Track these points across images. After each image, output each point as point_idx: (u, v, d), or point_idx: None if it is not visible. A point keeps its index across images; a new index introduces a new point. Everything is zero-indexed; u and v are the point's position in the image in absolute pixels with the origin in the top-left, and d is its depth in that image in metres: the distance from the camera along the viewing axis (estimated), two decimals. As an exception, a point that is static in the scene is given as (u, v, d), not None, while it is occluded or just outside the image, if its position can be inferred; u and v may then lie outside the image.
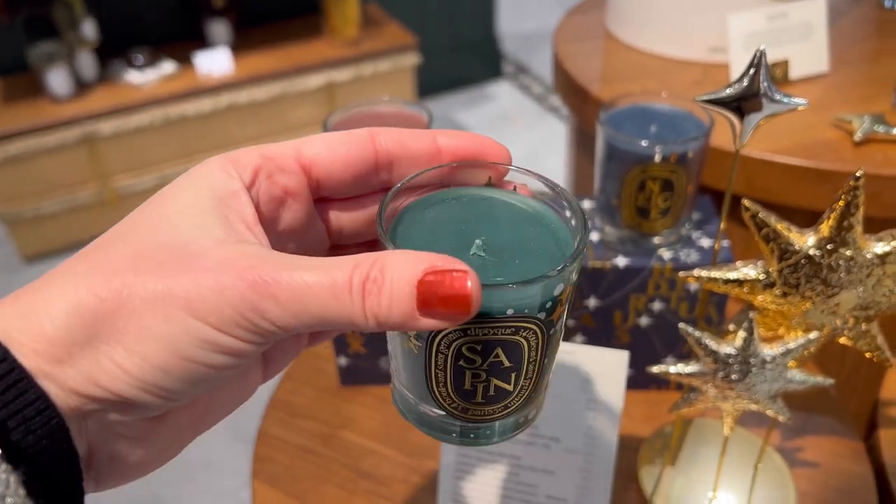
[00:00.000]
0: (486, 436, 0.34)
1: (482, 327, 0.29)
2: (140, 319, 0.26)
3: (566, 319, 0.33)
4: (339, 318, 0.26)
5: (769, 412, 0.50)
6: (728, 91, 0.44)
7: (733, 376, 0.48)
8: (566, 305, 0.31)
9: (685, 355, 0.65)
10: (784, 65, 0.79)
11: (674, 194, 0.57)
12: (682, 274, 0.49)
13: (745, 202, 0.46)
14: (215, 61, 2.07)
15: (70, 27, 1.95)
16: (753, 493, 0.59)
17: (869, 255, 0.45)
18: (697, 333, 0.48)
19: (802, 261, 0.46)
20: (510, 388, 0.31)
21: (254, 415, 0.72)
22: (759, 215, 0.46)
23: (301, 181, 0.31)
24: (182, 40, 2.19)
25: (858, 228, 0.45)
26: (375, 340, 0.66)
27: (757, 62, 0.43)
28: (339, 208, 0.34)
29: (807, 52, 0.80)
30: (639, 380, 0.66)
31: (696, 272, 0.49)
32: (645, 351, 0.65)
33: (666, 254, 0.60)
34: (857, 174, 0.43)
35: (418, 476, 0.62)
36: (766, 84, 0.44)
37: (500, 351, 0.30)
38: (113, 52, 2.08)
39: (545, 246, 0.31)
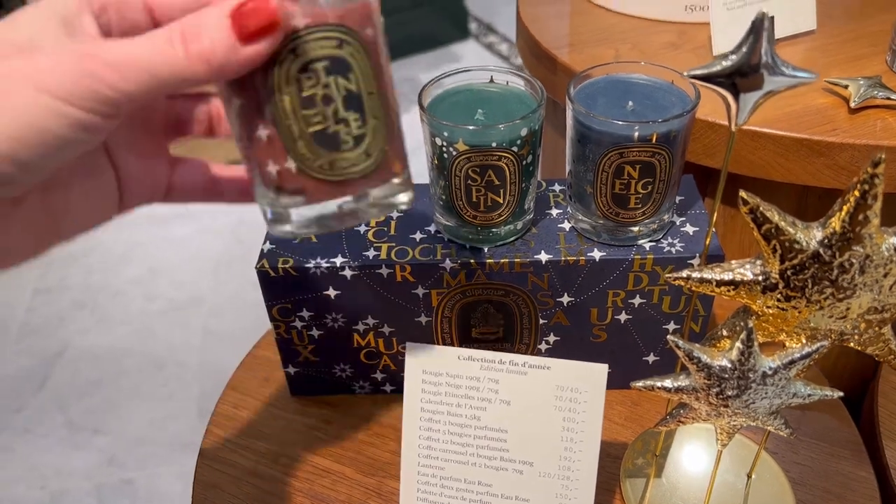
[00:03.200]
0: (490, 238, 0.54)
1: (479, 155, 0.49)
2: None
3: (538, 162, 0.53)
4: (169, 69, 0.29)
5: (769, 428, 0.44)
6: (723, 64, 0.37)
7: (729, 392, 0.42)
8: (531, 147, 0.50)
9: (669, 353, 0.59)
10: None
11: (655, 179, 0.50)
12: (668, 276, 0.42)
13: (743, 194, 0.39)
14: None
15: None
16: (748, 505, 0.53)
17: (887, 252, 0.39)
18: (688, 346, 0.41)
19: (809, 261, 0.39)
20: (500, 200, 0.51)
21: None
22: (760, 210, 0.39)
23: (147, 20, 0.34)
24: None
25: (875, 222, 0.38)
26: (326, 349, 0.59)
27: (757, 28, 0.36)
28: None
29: (793, 7, 0.72)
30: (620, 379, 0.60)
31: (684, 274, 0.42)
32: (625, 348, 0.59)
33: (647, 244, 0.54)
34: (877, 159, 0.36)
35: (378, 498, 0.56)
36: (768, 55, 0.37)
37: (491, 172, 0.50)
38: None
39: (519, 110, 0.51)
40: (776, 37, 0.74)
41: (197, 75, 0.29)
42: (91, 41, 0.30)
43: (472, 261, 0.53)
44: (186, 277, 1.83)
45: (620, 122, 0.48)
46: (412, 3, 2.59)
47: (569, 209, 0.56)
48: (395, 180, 0.36)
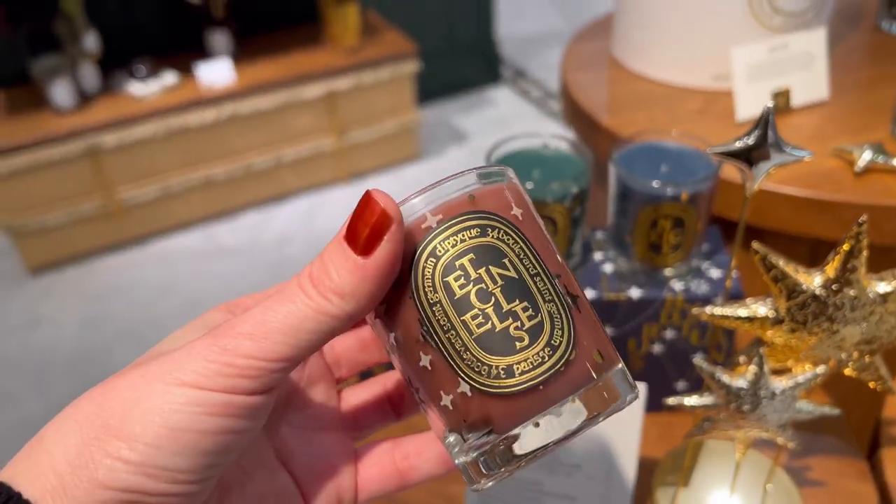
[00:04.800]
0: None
1: (536, 207, 0.32)
2: (125, 404, 0.26)
3: (584, 214, 0.61)
4: (309, 317, 0.27)
5: (779, 440, 0.53)
6: (738, 144, 0.47)
7: (745, 408, 0.51)
8: (579, 202, 0.59)
9: (696, 379, 0.68)
10: (786, 94, 0.82)
11: (685, 231, 0.60)
12: (695, 311, 0.51)
13: (755, 245, 0.49)
14: (216, 71, 2.09)
15: (72, 40, 1.97)
16: (763, 512, 0.62)
17: (872, 295, 0.48)
18: (711, 368, 0.50)
19: (809, 300, 0.49)
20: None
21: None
22: (768, 258, 0.48)
23: None
24: (183, 51, 2.21)
25: (862, 270, 0.48)
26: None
27: (765, 119, 0.46)
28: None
29: (808, 80, 0.82)
30: (653, 403, 0.69)
31: (708, 310, 0.51)
32: (658, 376, 0.68)
33: (677, 285, 0.63)
34: (861, 220, 0.46)
35: (443, 500, 0.65)
36: (773, 138, 0.47)
37: (545, 222, 0.38)
38: (115, 63, 2.10)
39: (569, 171, 0.61)
40: (793, 106, 0.84)
41: (338, 315, 0.27)
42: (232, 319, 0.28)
43: (527, 296, 0.63)
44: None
45: (656, 184, 0.58)
46: (447, 48, 2.72)
47: (610, 253, 0.66)
48: (603, 373, 0.29)
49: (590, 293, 0.63)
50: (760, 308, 0.51)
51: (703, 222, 0.60)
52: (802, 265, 0.80)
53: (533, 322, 0.28)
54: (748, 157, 0.47)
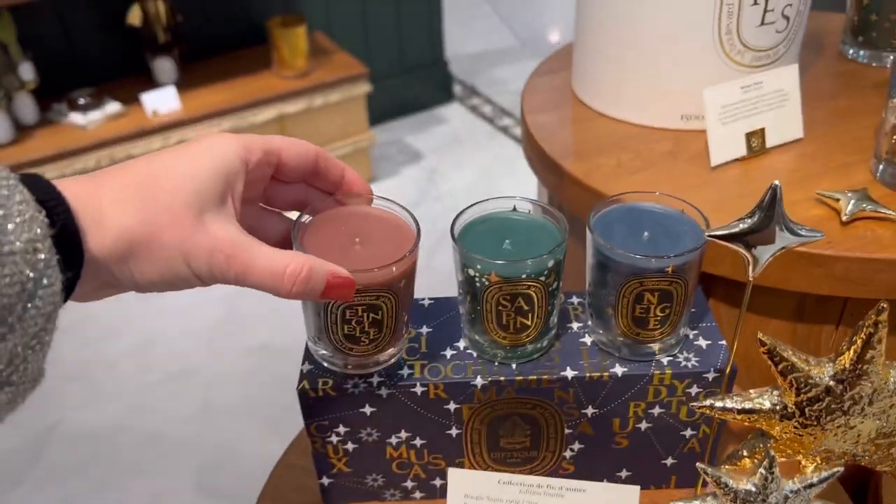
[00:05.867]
0: (518, 356, 0.58)
1: (510, 285, 0.53)
2: (158, 255, 0.40)
3: (561, 284, 0.56)
4: (270, 289, 0.43)
5: (790, 543, 0.48)
6: (739, 227, 0.42)
7: (754, 513, 0.46)
8: (556, 275, 0.55)
9: (685, 456, 0.63)
10: (760, 133, 0.78)
11: (673, 303, 0.54)
12: (694, 405, 0.46)
13: (761, 336, 0.43)
14: (161, 99, 2.02)
15: (6, 70, 1.87)
16: None
17: (893, 385, 0.43)
18: (716, 472, 0.45)
19: (822, 394, 0.44)
20: (529, 322, 0.56)
21: None
22: (776, 350, 0.43)
23: (271, 172, 0.48)
24: (126, 79, 2.11)
25: (881, 360, 0.43)
26: (358, 460, 0.62)
27: (771, 197, 0.41)
28: (274, 186, 0.51)
29: (782, 119, 0.78)
30: (638, 479, 0.64)
31: (708, 402, 0.46)
32: (645, 452, 0.62)
33: (664, 359, 0.58)
34: (882, 306, 0.41)
35: None
36: (781, 218, 0.41)
37: (520, 300, 0.54)
38: (53, 93, 2.01)
39: (543, 240, 0.55)
40: (768, 146, 0.79)
41: (281, 296, 0.43)
42: (236, 241, 0.42)
43: (501, 378, 0.57)
44: (181, 348, 1.84)
45: (639, 256, 0.52)
46: (400, 69, 2.67)
47: (588, 322, 0.60)
48: (389, 353, 0.56)
49: (570, 372, 0.57)
50: (766, 401, 0.45)
51: (692, 291, 0.55)
52: (789, 320, 0.76)
53: (375, 336, 0.53)
54: (748, 238, 0.42)
